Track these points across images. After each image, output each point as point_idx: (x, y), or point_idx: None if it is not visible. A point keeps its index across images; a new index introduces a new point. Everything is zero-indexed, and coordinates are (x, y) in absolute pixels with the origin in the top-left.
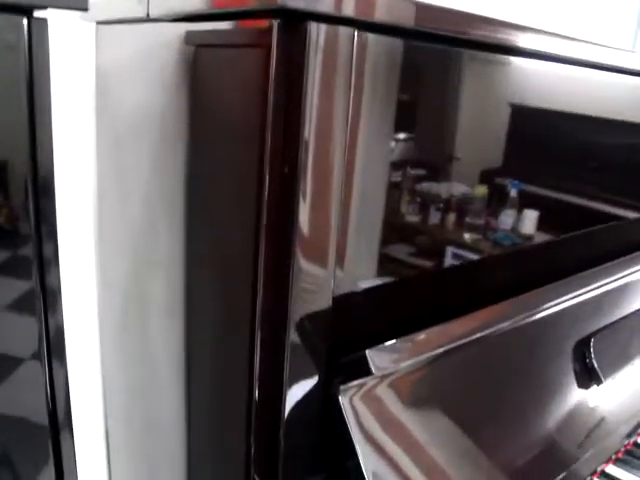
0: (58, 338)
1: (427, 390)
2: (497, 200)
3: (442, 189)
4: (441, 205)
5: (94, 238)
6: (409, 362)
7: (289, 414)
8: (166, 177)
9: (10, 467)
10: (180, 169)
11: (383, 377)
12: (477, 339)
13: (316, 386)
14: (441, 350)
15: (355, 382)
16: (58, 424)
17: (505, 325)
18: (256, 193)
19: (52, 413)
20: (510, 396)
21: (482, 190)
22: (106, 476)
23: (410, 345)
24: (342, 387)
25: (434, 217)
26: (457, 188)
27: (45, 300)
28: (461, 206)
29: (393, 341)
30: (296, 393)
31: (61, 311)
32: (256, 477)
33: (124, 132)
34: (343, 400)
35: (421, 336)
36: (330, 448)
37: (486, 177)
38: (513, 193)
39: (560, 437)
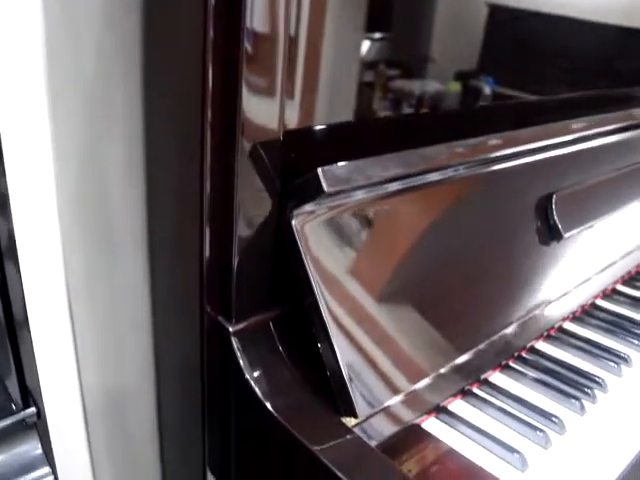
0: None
1: (382, 222)
2: None
3: None
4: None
5: (46, 103)
6: (361, 183)
7: (241, 242)
8: (120, 34)
9: None
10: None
11: (337, 205)
12: (435, 176)
13: (268, 214)
14: (395, 175)
15: (308, 207)
16: (14, 321)
17: (464, 163)
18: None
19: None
20: (461, 243)
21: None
22: (73, 356)
23: (362, 165)
24: (295, 212)
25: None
26: None
27: None
28: None
29: (345, 162)
30: (248, 220)
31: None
32: (208, 309)
33: None
34: (296, 224)
35: (375, 160)
36: (285, 283)
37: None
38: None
39: (508, 294)
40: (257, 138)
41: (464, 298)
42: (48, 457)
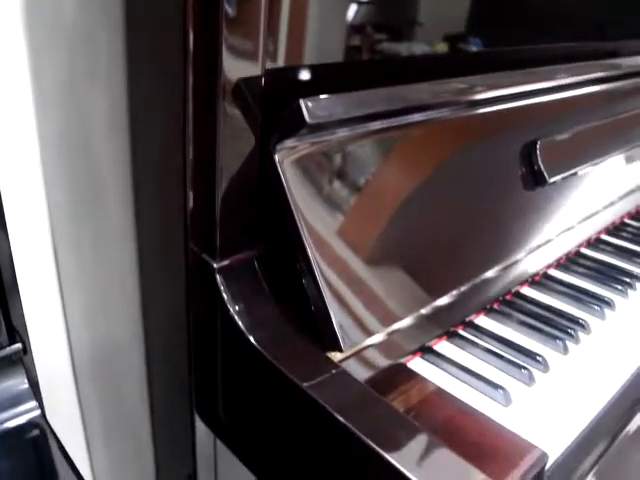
0: None
1: (365, 160)
2: None
3: None
4: None
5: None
6: (344, 116)
7: (224, 180)
8: None
9: None
10: None
11: (320, 141)
12: (419, 116)
13: (252, 149)
14: (379, 110)
15: (291, 141)
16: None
17: (449, 103)
18: None
19: None
20: (446, 185)
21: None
22: (61, 317)
23: (345, 98)
24: (278, 146)
25: None
26: None
27: None
28: None
29: (327, 95)
30: (231, 157)
31: None
32: (193, 247)
33: None
34: (279, 158)
35: (358, 94)
36: (269, 220)
37: None
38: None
39: (492, 239)
40: (239, 74)
41: (447, 241)
42: (35, 392)
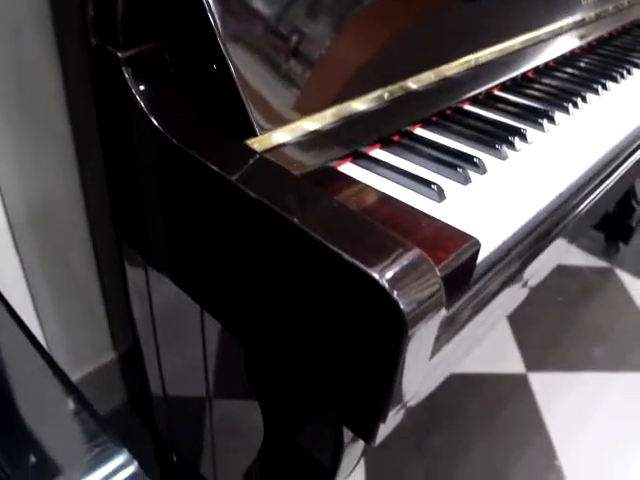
0: None
1: None
2: None
3: None
4: None
5: None
6: None
7: None
8: None
9: None
10: None
11: None
12: None
13: None
14: None
15: None
16: None
17: None
18: None
19: None
20: None
21: None
22: None
23: None
24: None
25: None
26: None
27: None
28: None
29: None
30: None
31: None
32: (95, 41)
33: None
34: None
35: None
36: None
37: None
38: None
39: (415, 44)
40: None
41: (374, 38)
42: None
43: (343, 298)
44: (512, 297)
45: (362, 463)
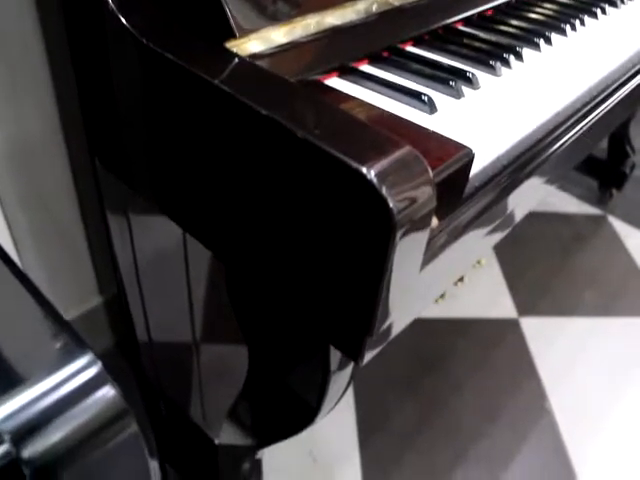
0: None
1: None
2: None
3: None
4: None
5: None
6: None
7: None
8: None
9: None
10: None
11: None
12: None
13: None
14: None
15: None
16: None
17: None
18: None
19: None
20: None
21: None
22: None
23: None
24: None
25: None
26: None
27: None
28: None
29: None
30: None
31: None
32: None
33: None
34: None
35: None
36: None
37: None
38: None
39: None
40: None
41: None
42: None
43: (331, 199)
44: (503, 222)
45: (353, 407)
